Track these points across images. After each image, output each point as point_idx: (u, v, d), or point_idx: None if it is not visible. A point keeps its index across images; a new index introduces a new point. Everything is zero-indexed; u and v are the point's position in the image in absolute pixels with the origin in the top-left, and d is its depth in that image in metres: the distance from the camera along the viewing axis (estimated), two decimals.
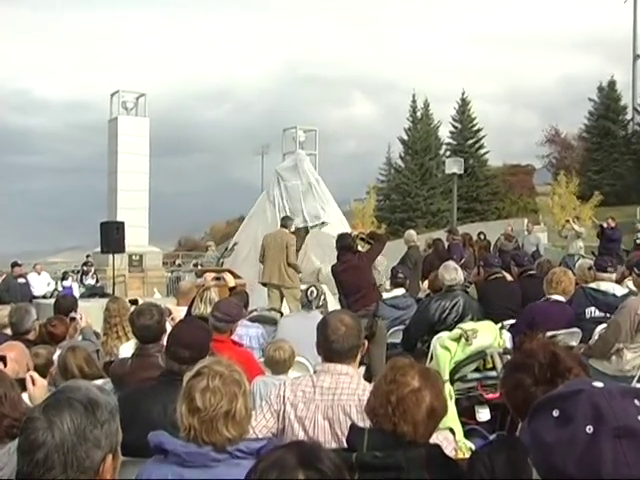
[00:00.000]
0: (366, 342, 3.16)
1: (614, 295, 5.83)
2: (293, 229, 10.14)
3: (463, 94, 46.98)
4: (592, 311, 5.85)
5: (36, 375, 3.10)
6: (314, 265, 11.79)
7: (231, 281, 6.41)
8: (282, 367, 4.49)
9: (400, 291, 7.25)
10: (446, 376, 4.31)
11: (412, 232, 11.75)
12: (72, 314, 5.78)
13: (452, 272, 5.87)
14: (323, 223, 12.35)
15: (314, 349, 3.12)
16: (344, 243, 7.03)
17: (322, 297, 6.03)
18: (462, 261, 11.12)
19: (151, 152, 21.46)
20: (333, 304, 8.73)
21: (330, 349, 3.03)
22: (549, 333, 3.95)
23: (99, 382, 4.00)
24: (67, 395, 1.70)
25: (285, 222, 10.01)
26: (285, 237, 9.67)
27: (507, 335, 5.03)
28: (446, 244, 12.32)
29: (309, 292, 5.99)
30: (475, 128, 46.25)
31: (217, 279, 6.51)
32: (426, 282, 7.62)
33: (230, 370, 2.28)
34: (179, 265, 27.70)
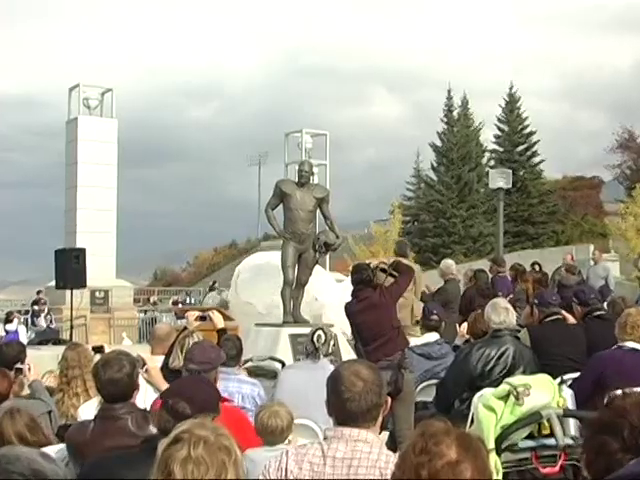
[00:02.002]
0: (389, 401, 3.16)
1: None
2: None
3: (511, 89, 47.32)
4: None
5: None
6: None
7: (220, 322, 6.43)
8: (279, 438, 4.50)
9: (433, 336, 7.24)
10: (491, 444, 4.30)
11: (450, 262, 11.73)
12: (18, 365, 5.79)
13: (501, 312, 5.87)
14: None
15: (324, 408, 3.12)
16: (361, 276, 7.04)
17: (332, 342, 6.04)
18: (509, 298, 11.10)
19: (120, 161, 21.69)
20: (347, 352, 8.73)
21: (344, 410, 3.02)
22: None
23: (51, 449, 4.01)
24: (3, 467, 1.70)
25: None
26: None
27: (568, 392, 5.01)
28: (490, 277, 12.30)
29: (315, 336, 6.00)
30: (526, 131, 46.48)
31: (202, 319, 6.53)
32: (465, 325, 7.61)
33: (217, 434, 2.29)
34: (154, 303, 27.80)
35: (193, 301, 29.53)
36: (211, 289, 20.49)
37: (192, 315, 6.47)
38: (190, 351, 4.80)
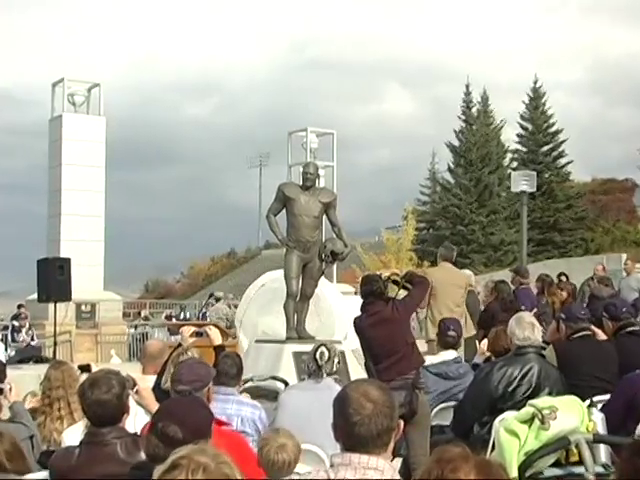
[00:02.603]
0: (402, 424, 3.16)
1: None
2: None
3: (535, 83, 47.32)
4: None
5: None
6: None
7: (217, 338, 6.44)
8: (285, 473, 4.50)
9: (451, 354, 7.24)
10: (514, 472, 4.29)
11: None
12: None
13: (526, 328, 5.88)
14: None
15: (330, 433, 3.12)
16: (372, 288, 7.04)
17: (336, 360, 6.04)
18: (533, 313, 11.07)
19: (108, 163, 21.75)
20: (357, 371, 8.72)
21: (352, 434, 3.03)
22: None
23: (32, 477, 4.01)
24: None
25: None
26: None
27: (599, 416, 5.00)
28: (512, 289, 12.28)
29: (318, 353, 6.00)
30: (552, 129, 46.47)
31: (198, 335, 6.54)
32: (485, 341, 7.61)
33: (217, 462, 2.29)
34: (146, 318, 27.85)
35: (188, 315, 29.56)
36: (217, 299, 20.48)
37: (187, 331, 6.48)
38: (177, 371, 4.80)
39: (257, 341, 10.43)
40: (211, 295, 22.18)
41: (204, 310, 24.03)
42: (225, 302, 19.30)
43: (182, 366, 4.91)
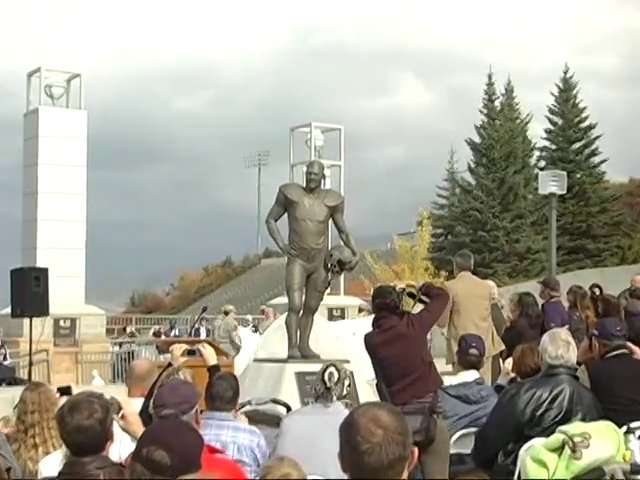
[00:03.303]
0: (417, 452, 3.16)
1: None
2: None
3: (566, 72, 47.41)
4: None
5: None
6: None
7: (211, 357, 6.45)
8: None
9: (472, 374, 7.24)
10: None
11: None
12: None
13: (561, 346, 5.88)
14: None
15: (337, 463, 3.13)
16: (384, 301, 7.05)
17: (347, 382, 6.04)
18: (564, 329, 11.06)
19: (89, 162, 21.83)
20: (367, 394, 8.72)
21: (361, 464, 3.03)
22: None
23: None
24: None
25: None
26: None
27: (637, 444, 5.00)
28: (540, 303, 12.27)
29: (327, 374, 6.00)
30: (585, 124, 46.53)
31: (190, 354, 6.55)
32: (510, 360, 7.60)
33: None
34: (132, 335, 27.84)
35: (178, 332, 29.60)
36: (226, 313, 20.52)
37: (178, 349, 6.49)
38: (159, 395, 4.80)
39: (256, 360, 10.43)
40: (204, 309, 22.21)
41: (197, 326, 24.05)
42: (231, 315, 19.34)
43: (164, 388, 4.92)
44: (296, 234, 10.15)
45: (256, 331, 24.77)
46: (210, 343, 7.43)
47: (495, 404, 6.26)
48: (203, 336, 23.09)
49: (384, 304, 7.05)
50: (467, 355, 7.36)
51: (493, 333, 10.80)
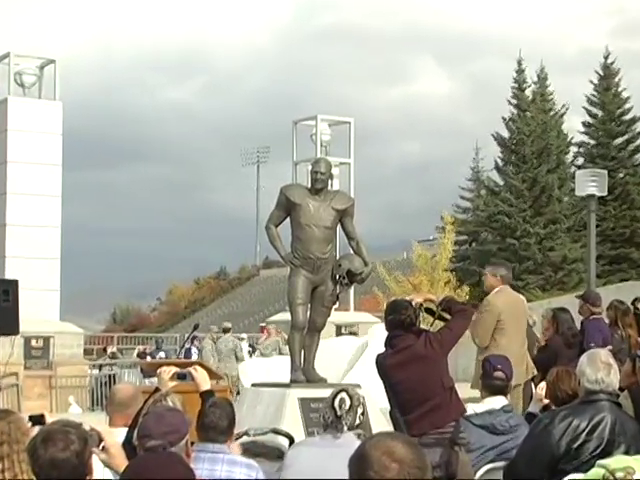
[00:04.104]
0: None
1: None
2: None
3: (606, 57, 47.35)
4: None
5: None
6: None
7: (204, 382, 6.45)
8: None
9: (499, 401, 7.23)
10: None
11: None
12: None
13: (601, 368, 5.87)
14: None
15: None
16: (399, 318, 7.06)
17: (360, 410, 6.04)
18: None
19: (65, 160, 21.84)
20: (380, 423, 8.72)
21: None
22: None
23: None
24: None
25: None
26: None
27: None
28: (578, 320, 12.26)
29: (338, 400, 6.00)
30: (628, 116, 46.49)
31: (180, 378, 6.56)
32: (543, 385, 7.61)
33: None
34: (113, 356, 27.81)
35: (163, 355, 29.42)
36: (225, 331, 20.66)
37: (166, 372, 6.50)
38: (144, 424, 4.79)
39: (254, 385, 10.45)
40: (196, 327, 22.20)
41: (187, 346, 24.05)
42: (236, 336, 19.59)
43: (149, 417, 4.91)
44: (300, 241, 10.17)
45: (253, 352, 24.82)
46: (202, 365, 7.44)
47: (526, 435, 6.24)
48: (195, 357, 23.12)
49: (399, 321, 7.05)
50: (492, 379, 7.35)
51: (527, 360, 10.78)
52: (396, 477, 3.02)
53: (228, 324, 22.72)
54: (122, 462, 5.16)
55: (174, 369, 6.61)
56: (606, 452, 5.48)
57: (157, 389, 6.28)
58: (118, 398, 6.49)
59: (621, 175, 43.47)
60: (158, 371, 6.65)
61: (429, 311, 7.38)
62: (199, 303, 77.81)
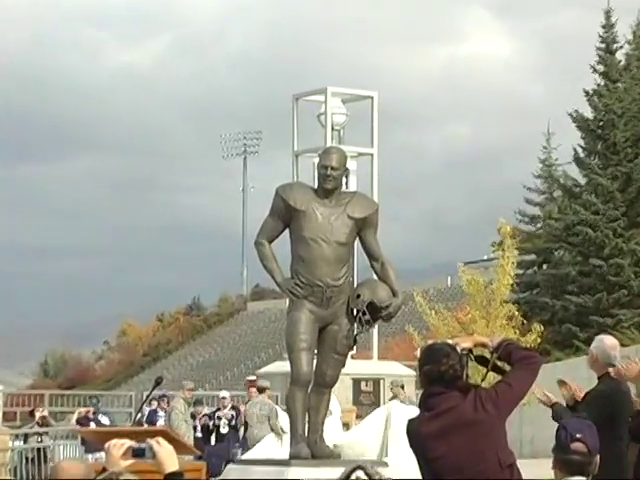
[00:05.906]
0: None
1: None
2: None
3: None
4: None
5: None
6: None
7: (169, 460, 6.43)
8: None
9: None
10: None
11: (611, 342, 11.75)
12: None
13: None
14: None
15: None
16: (439, 369, 7.09)
17: None
18: None
19: None
20: None
21: None
22: None
23: None
24: None
25: None
26: None
27: None
28: None
29: None
30: None
31: (137, 455, 6.57)
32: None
33: None
34: (42, 422, 27.84)
35: (107, 420, 29.31)
36: (260, 390, 20.82)
37: (117, 446, 6.50)
38: None
39: (242, 462, 10.51)
40: (158, 382, 22.26)
41: (146, 408, 24.07)
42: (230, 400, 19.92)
43: None
44: (303, 263, 10.19)
45: (235, 426, 24.70)
46: (168, 435, 7.43)
47: None
48: (160, 423, 23.09)
49: (438, 373, 7.09)
50: (567, 452, 7.31)
51: None
52: None
53: (266, 382, 22.74)
54: None
55: (128, 442, 6.60)
56: None
57: (104, 469, 6.28)
58: None
59: None
60: (106, 445, 6.65)
61: (480, 360, 7.40)
62: (163, 348, 77.96)
